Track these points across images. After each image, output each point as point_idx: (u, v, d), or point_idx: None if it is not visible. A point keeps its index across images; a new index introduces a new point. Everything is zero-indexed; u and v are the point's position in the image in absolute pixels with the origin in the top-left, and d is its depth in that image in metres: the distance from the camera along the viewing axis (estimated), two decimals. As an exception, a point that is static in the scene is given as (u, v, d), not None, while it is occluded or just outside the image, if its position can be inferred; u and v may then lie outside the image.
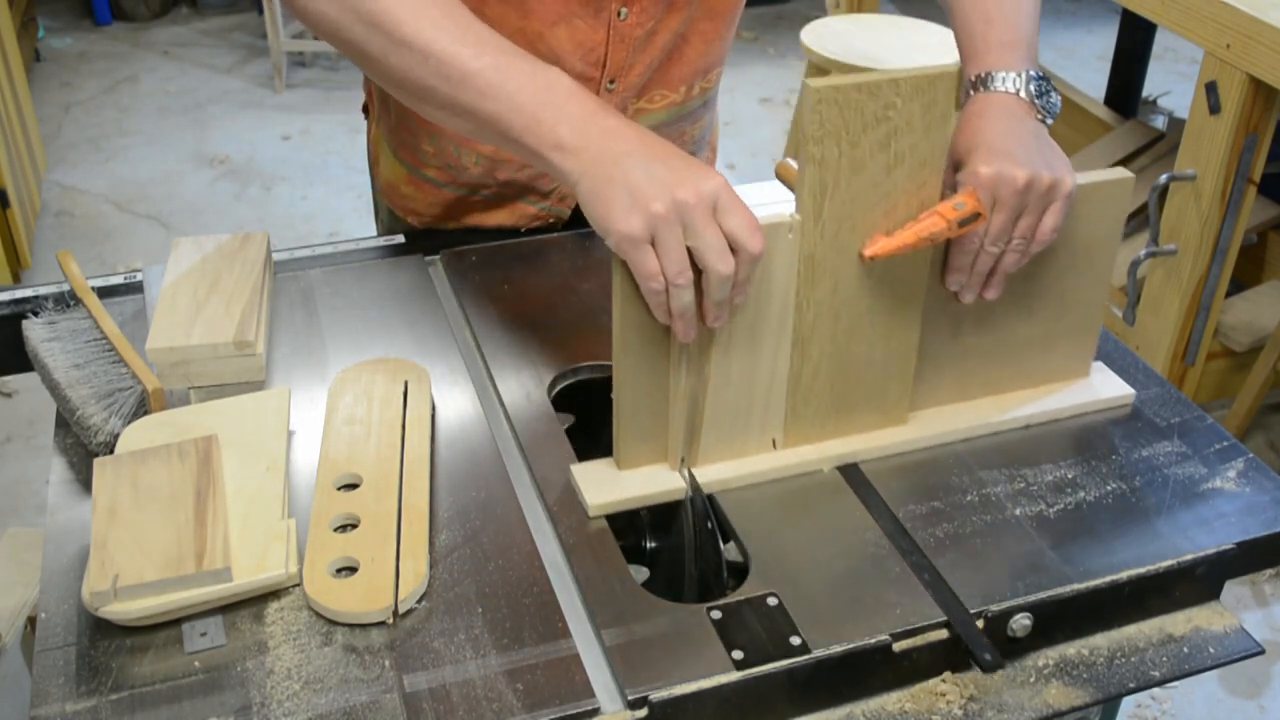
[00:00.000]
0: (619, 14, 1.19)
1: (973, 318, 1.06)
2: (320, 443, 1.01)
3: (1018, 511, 1.00)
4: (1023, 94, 1.03)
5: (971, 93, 1.06)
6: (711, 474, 1.01)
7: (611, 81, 1.25)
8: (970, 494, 1.01)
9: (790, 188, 1.23)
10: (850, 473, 1.03)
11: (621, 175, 0.88)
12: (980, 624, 0.90)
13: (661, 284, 0.88)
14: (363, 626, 0.87)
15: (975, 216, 0.95)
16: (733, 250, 0.87)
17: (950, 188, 0.98)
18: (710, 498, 1.00)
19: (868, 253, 0.95)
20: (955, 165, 1.00)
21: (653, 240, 0.87)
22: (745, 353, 0.97)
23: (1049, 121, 1.04)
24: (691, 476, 1.00)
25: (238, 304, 1.13)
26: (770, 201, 1.44)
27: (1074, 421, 1.11)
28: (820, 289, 0.96)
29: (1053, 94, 1.04)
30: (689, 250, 0.87)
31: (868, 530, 0.97)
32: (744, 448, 1.02)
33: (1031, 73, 1.04)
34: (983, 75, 1.05)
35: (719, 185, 0.87)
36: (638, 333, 0.93)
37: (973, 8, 1.10)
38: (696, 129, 1.40)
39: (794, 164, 1.21)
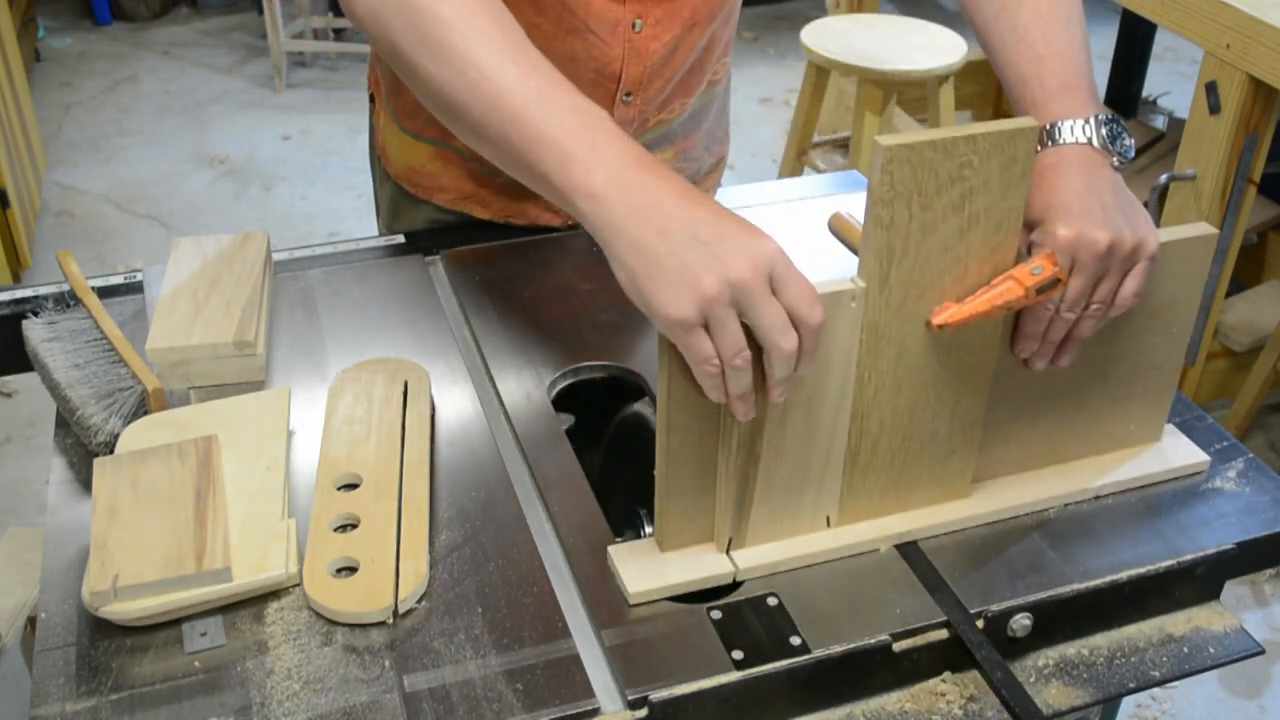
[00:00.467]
0: (634, 26, 1.15)
1: (1041, 384, 0.98)
2: (320, 443, 1.01)
3: (1017, 512, 1.00)
4: (1095, 142, 0.94)
5: (1038, 147, 0.96)
6: (762, 556, 0.94)
7: (628, 95, 1.22)
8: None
9: (845, 243, 1.17)
10: (908, 551, 0.97)
11: (667, 249, 0.79)
12: (980, 624, 0.90)
13: (717, 367, 0.80)
14: (363, 627, 0.87)
15: (1054, 283, 0.88)
16: (793, 323, 0.80)
17: (1025, 249, 0.92)
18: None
19: (936, 321, 0.88)
20: (1029, 225, 0.92)
21: (705, 323, 0.79)
22: (801, 427, 0.90)
23: (1122, 164, 0.96)
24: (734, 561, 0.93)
25: (238, 304, 1.13)
26: (771, 200, 1.44)
27: (1147, 491, 1.04)
28: (883, 359, 0.89)
29: (1125, 136, 0.96)
30: (745, 327, 0.80)
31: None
32: (795, 527, 0.95)
33: (1100, 116, 0.96)
34: (1047, 127, 0.96)
35: (773, 252, 0.80)
36: (684, 410, 0.86)
37: (1016, 44, 1.01)
38: (709, 120, 1.38)
39: (849, 218, 1.15)
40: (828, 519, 0.96)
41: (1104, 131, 0.95)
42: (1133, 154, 0.96)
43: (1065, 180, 0.92)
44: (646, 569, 0.92)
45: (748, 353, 0.80)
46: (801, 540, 0.95)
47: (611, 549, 0.93)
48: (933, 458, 0.96)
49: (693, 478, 0.90)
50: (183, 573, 0.85)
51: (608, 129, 0.86)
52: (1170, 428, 1.08)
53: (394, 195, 1.41)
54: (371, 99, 1.42)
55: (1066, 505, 1.01)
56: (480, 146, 0.92)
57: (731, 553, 0.93)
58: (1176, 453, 1.06)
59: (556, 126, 0.86)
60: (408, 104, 1.32)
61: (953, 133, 0.83)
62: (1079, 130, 0.95)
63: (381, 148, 1.40)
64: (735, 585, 0.93)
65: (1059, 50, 1.00)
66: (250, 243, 1.23)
